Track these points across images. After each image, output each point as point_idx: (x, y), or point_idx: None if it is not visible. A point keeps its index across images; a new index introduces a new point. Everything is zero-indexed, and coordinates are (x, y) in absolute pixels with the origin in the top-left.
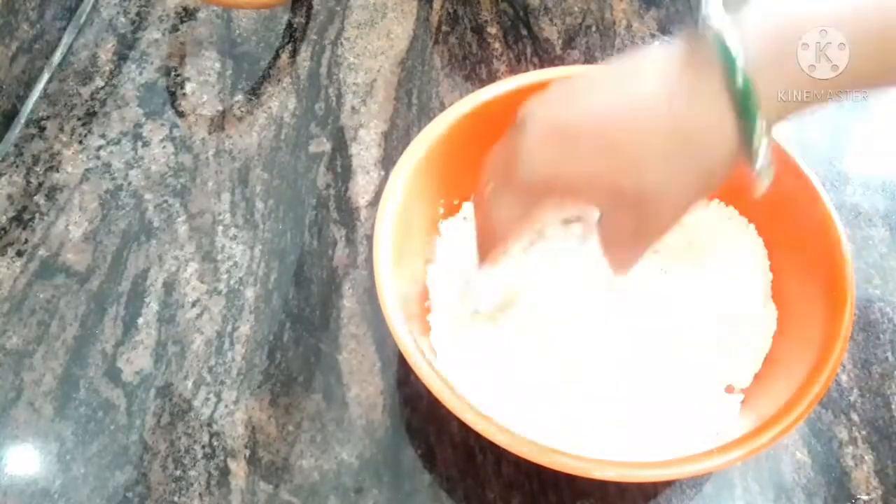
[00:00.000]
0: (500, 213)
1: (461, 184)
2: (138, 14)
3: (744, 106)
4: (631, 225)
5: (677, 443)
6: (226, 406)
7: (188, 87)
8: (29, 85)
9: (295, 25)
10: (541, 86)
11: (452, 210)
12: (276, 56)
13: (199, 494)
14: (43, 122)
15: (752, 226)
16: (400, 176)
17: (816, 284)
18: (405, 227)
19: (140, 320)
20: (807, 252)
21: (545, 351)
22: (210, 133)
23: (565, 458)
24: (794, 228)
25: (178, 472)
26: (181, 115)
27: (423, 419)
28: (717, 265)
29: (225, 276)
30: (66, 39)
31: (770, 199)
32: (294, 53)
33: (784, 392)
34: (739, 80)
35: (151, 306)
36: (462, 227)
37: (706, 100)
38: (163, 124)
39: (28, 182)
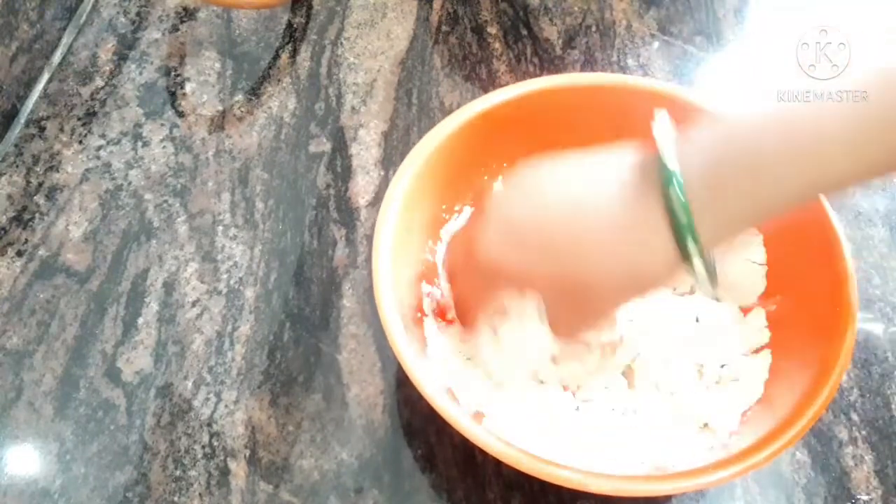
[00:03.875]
0: (464, 287)
1: (464, 188)
2: (138, 14)
3: (678, 225)
4: (568, 312)
5: (675, 457)
6: (226, 406)
7: (188, 87)
8: (29, 85)
9: (295, 25)
10: (545, 93)
11: (455, 215)
12: (276, 56)
13: (199, 494)
14: (43, 122)
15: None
16: (401, 180)
17: (817, 302)
18: (405, 231)
19: (140, 320)
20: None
21: (543, 361)
22: (210, 133)
23: (565, 471)
24: (796, 238)
25: (178, 472)
26: (181, 115)
27: (423, 419)
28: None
29: (225, 276)
30: (66, 39)
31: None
32: (294, 53)
33: (785, 407)
34: (675, 199)
35: (151, 306)
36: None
37: (645, 213)
38: (163, 124)
39: (28, 182)
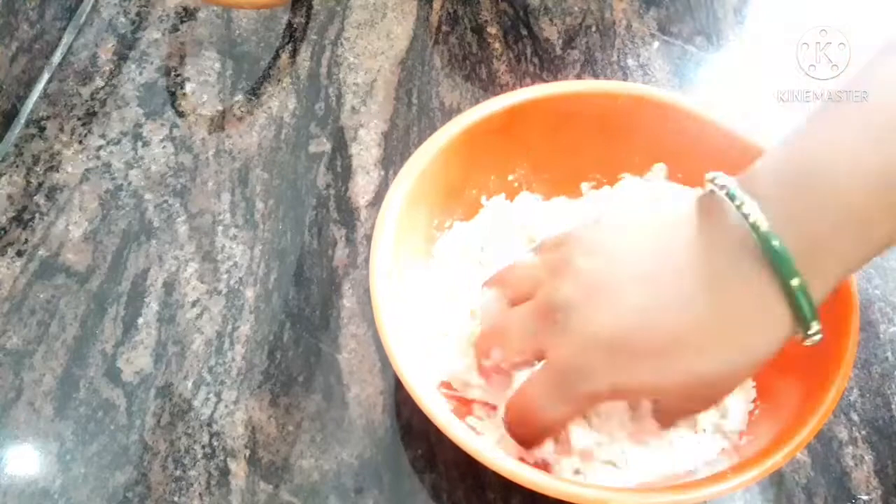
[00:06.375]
0: (550, 416)
1: (454, 204)
2: (138, 14)
3: (796, 297)
4: (683, 407)
5: (688, 463)
6: (226, 406)
7: (188, 87)
8: (29, 85)
9: (295, 25)
10: (530, 103)
11: (445, 231)
12: (276, 56)
13: (199, 494)
14: (43, 122)
15: None
16: (392, 203)
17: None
18: (401, 254)
19: (140, 320)
20: None
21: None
22: (210, 133)
23: (586, 490)
24: None
25: (178, 472)
26: (181, 115)
27: (423, 419)
28: None
29: (225, 276)
30: (66, 39)
31: None
32: (294, 53)
33: (792, 403)
34: (792, 279)
35: (151, 306)
36: (454, 249)
37: (749, 290)
38: (163, 124)
39: (28, 182)
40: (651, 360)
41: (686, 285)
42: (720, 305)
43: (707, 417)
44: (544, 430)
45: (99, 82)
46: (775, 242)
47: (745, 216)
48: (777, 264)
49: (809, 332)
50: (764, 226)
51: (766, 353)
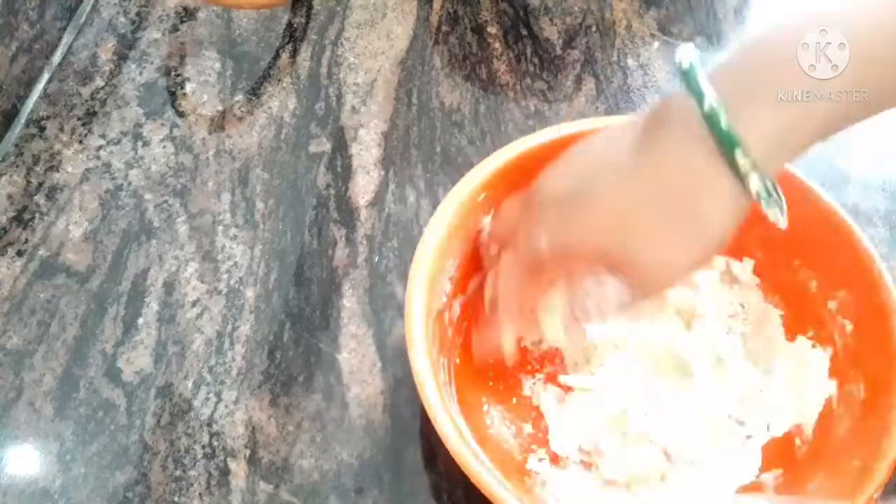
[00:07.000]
0: (509, 280)
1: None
2: (138, 14)
3: (723, 143)
4: (621, 288)
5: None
6: (226, 406)
7: (188, 87)
8: (29, 85)
9: (295, 25)
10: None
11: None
12: (276, 56)
13: (199, 494)
14: (43, 122)
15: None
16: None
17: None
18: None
19: (140, 320)
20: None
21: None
22: (210, 133)
23: None
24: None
25: (178, 472)
26: (181, 115)
27: (423, 419)
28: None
29: (225, 276)
30: (66, 39)
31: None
32: (294, 53)
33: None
34: (722, 123)
35: (151, 306)
36: None
37: (686, 154)
38: (163, 124)
39: (28, 182)
40: (586, 215)
41: (627, 163)
42: (661, 185)
43: None
44: (507, 304)
45: (99, 82)
46: (713, 106)
47: (698, 89)
48: (715, 130)
49: (762, 198)
50: (709, 99)
51: (720, 231)
